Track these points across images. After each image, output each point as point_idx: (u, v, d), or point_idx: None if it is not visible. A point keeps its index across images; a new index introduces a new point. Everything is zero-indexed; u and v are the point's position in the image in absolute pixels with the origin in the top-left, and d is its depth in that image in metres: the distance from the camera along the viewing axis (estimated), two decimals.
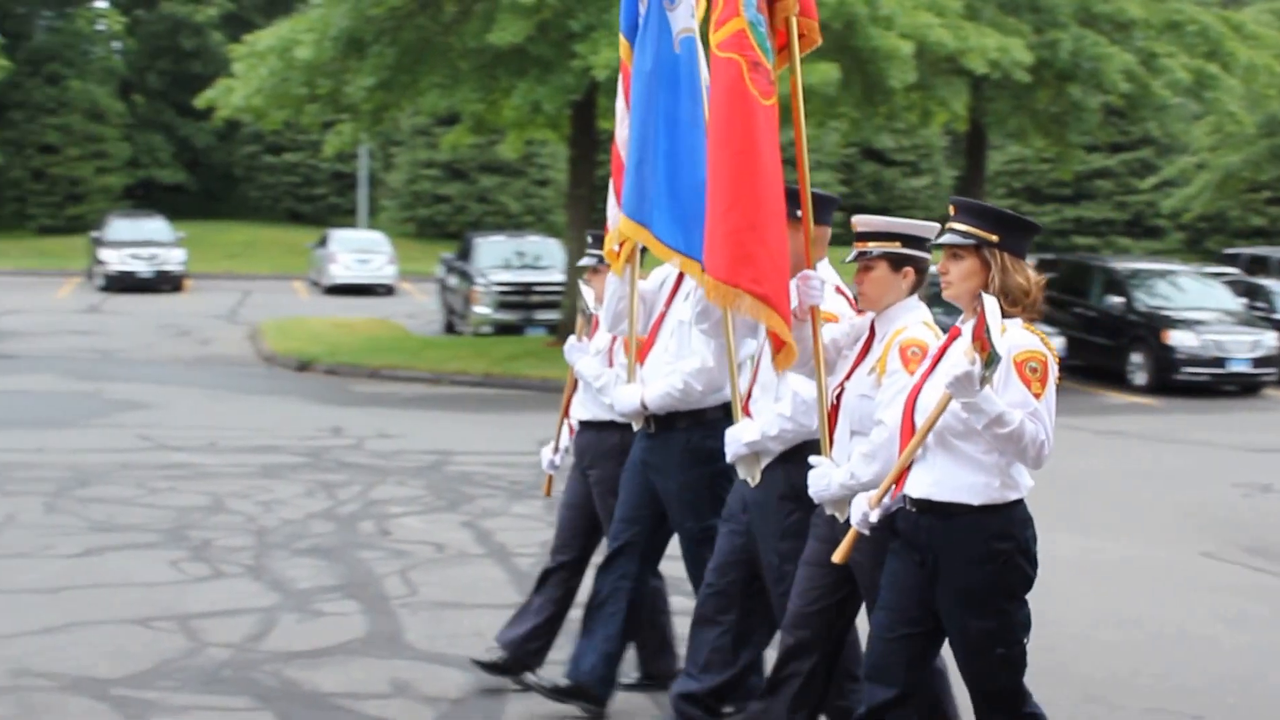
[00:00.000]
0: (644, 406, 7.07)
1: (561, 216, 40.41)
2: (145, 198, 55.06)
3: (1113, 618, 9.49)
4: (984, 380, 5.14)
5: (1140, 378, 23.22)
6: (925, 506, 5.46)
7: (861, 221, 6.10)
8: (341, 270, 39.52)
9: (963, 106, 24.10)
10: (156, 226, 40.49)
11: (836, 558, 5.70)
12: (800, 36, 6.38)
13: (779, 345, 6.17)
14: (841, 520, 5.92)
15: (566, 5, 20.94)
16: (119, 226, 39.89)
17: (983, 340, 5.09)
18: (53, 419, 16.94)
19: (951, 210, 5.63)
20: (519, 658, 7.54)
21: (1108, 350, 24.03)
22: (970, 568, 5.41)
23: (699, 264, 6.50)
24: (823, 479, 5.96)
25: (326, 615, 8.89)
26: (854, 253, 6.06)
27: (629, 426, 7.33)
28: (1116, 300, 24.21)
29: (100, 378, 20.85)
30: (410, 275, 42.36)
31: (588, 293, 7.70)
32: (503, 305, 27.68)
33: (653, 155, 6.75)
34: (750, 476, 6.50)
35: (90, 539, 10.73)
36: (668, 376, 7.03)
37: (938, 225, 6.02)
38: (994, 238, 5.47)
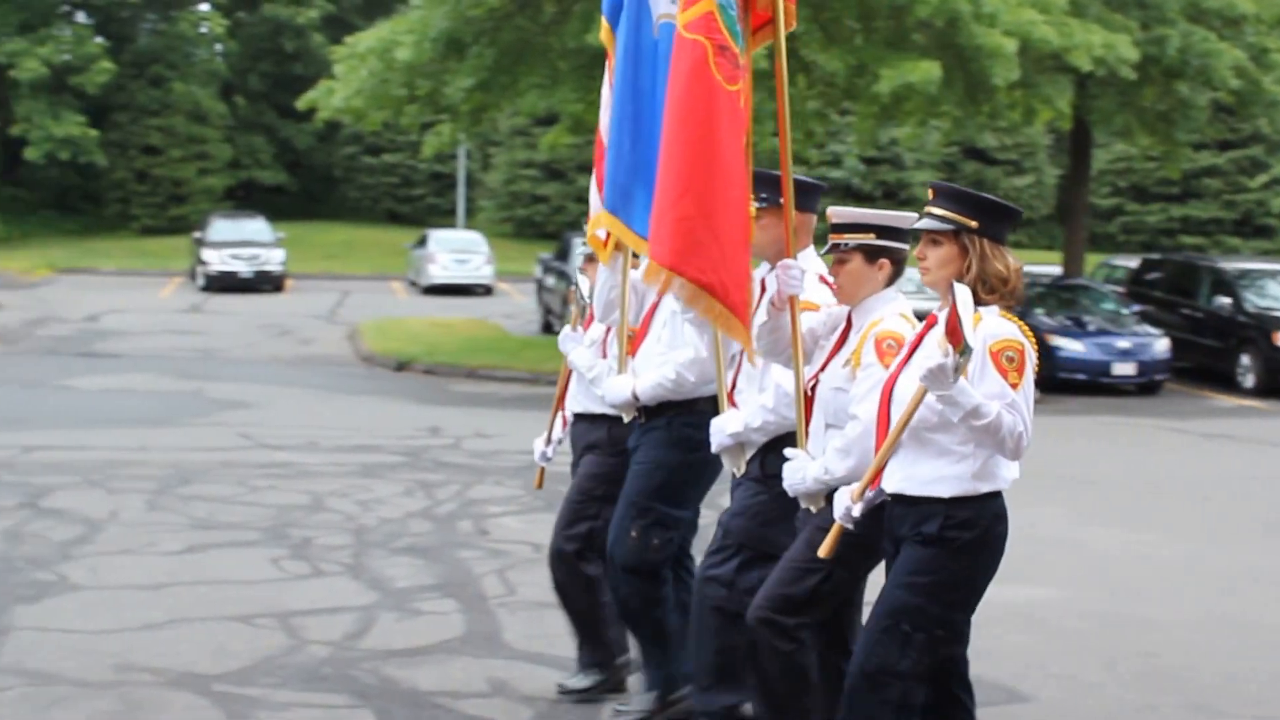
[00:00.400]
0: (635, 397, 6.96)
1: None
2: (246, 199, 55.62)
3: (1219, 623, 9.28)
4: (957, 372, 5.03)
5: (1249, 380, 22.85)
6: (898, 499, 5.37)
7: (836, 213, 6.01)
8: (440, 270, 39.67)
9: (1067, 104, 23.75)
10: (257, 227, 40.86)
11: (823, 552, 5.58)
12: (769, 21, 6.23)
13: (745, 347, 6.18)
14: (814, 513, 5.86)
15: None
16: (220, 227, 40.28)
17: (955, 331, 4.98)
18: (155, 417, 17.08)
19: (930, 194, 5.52)
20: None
21: (1216, 352, 23.66)
22: (919, 544, 5.30)
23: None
24: (797, 472, 5.89)
25: (425, 614, 8.86)
26: (829, 244, 5.98)
27: (619, 420, 7.22)
28: (1225, 301, 23.84)
29: (202, 377, 21.02)
30: (508, 275, 42.49)
31: (583, 282, 7.58)
32: None
33: (630, 144, 6.62)
34: (736, 467, 6.45)
35: (192, 536, 10.78)
36: (660, 367, 6.92)
37: (915, 216, 5.87)
38: (973, 223, 5.35)
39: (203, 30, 56.57)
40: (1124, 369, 22.42)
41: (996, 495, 5.34)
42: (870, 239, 5.88)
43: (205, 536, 10.78)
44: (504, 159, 53.69)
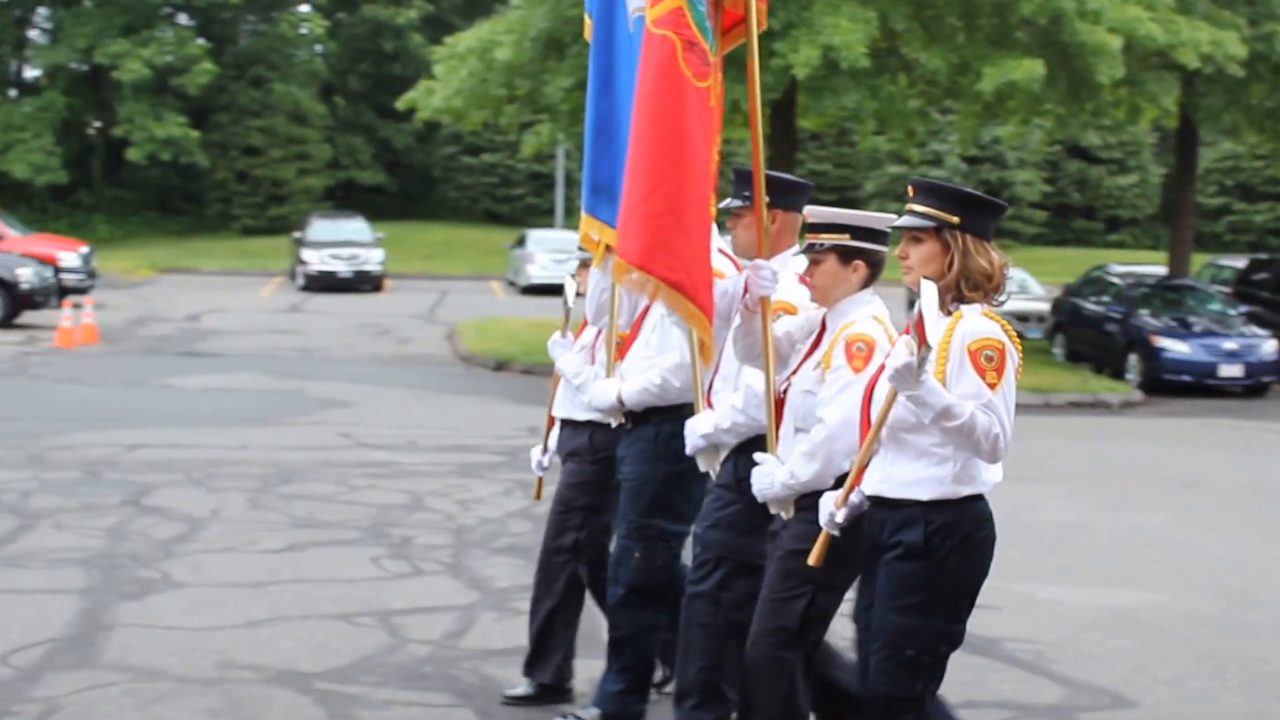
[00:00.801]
0: (620, 403, 6.83)
1: None
2: (345, 199, 56.03)
3: None
4: (921, 370, 4.87)
5: None
6: (878, 502, 5.25)
7: (812, 213, 5.90)
8: (538, 270, 39.72)
9: (1172, 102, 23.48)
10: (356, 227, 41.12)
11: (812, 560, 5.45)
12: (741, 20, 6.15)
13: (704, 343, 6.14)
14: (786, 518, 5.74)
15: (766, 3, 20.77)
16: (320, 227, 40.57)
17: (920, 330, 4.86)
18: (256, 416, 17.19)
19: (910, 191, 5.37)
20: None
21: None
22: (903, 559, 5.15)
23: None
24: (766, 477, 5.77)
25: (525, 614, 8.75)
26: (805, 244, 5.87)
27: (603, 426, 7.12)
28: None
29: (302, 376, 21.14)
30: None
31: (570, 286, 7.47)
32: None
33: (607, 141, 6.56)
34: (710, 469, 6.33)
35: (293, 535, 10.82)
36: (645, 372, 6.79)
37: (892, 216, 5.76)
38: (954, 219, 5.21)
39: (303, 31, 57.03)
40: (1230, 371, 22.12)
41: (978, 499, 5.20)
42: (845, 240, 5.75)
43: (306, 535, 10.82)
44: None
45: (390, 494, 12.43)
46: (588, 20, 6.75)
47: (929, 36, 22.28)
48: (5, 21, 55.03)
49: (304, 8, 56.76)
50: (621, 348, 7.00)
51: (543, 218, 51.99)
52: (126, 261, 43.84)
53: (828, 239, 5.74)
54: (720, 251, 6.43)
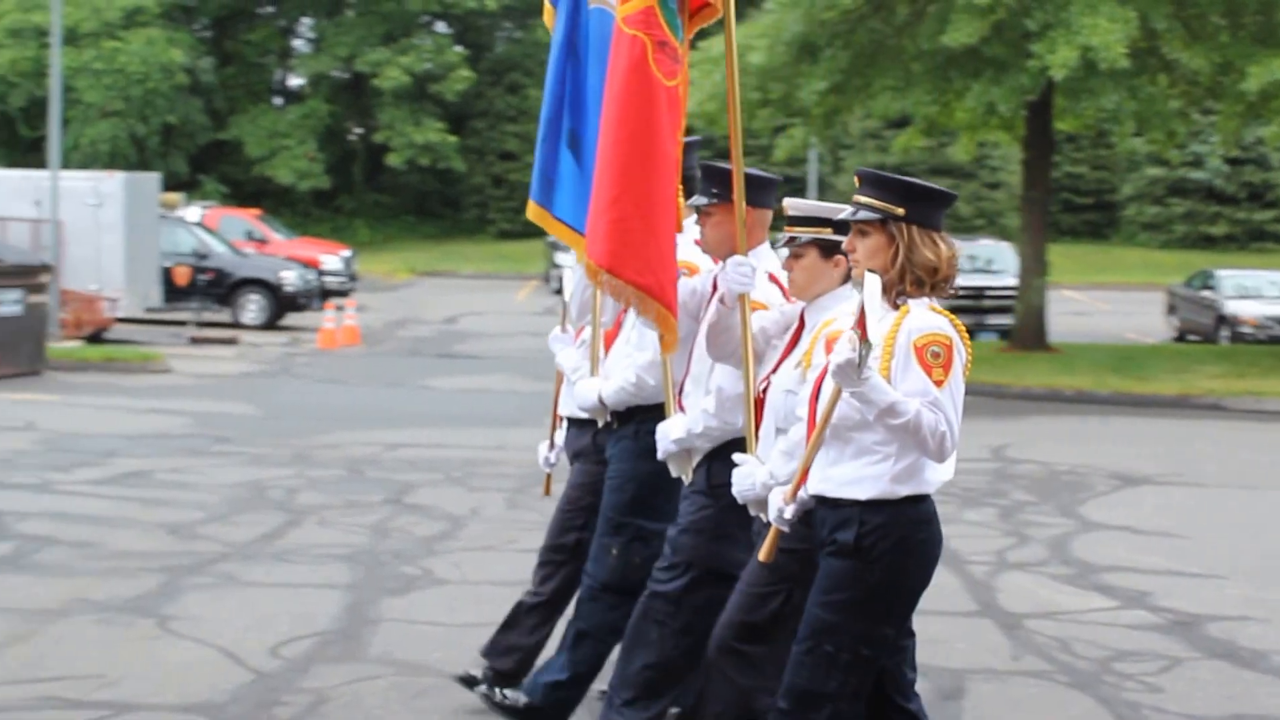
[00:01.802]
0: (601, 402, 6.69)
1: (1014, 220, 39.69)
2: None
3: None
4: (862, 366, 4.74)
5: None
6: (819, 500, 5.13)
7: (792, 206, 5.71)
8: None
9: None
10: None
11: (761, 556, 5.34)
12: (705, 6, 6.05)
13: (666, 340, 6.01)
14: (766, 520, 5.51)
15: (1023, 4, 20.50)
16: None
17: (862, 324, 4.71)
18: (512, 417, 17.45)
19: (856, 182, 5.22)
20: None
21: None
22: (834, 556, 5.04)
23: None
24: (747, 478, 5.59)
25: None
26: (784, 238, 5.68)
27: (606, 425, 6.93)
28: None
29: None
30: None
31: (567, 281, 7.18)
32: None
33: (555, 132, 6.43)
34: (683, 474, 6.18)
35: None
36: (624, 371, 6.64)
37: None
38: (899, 210, 5.06)
39: None
40: None
41: (920, 499, 5.05)
42: (827, 234, 5.58)
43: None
44: (855, 162, 53.37)
45: None
46: (549, 8, 6.60)
47: (1190, 35, 21.74)
48: (270, 32, 56.80)
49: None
50: (606, 346, 6.90)
51: None
52: (386, 265, 44.88)
53: (808, 232, 5.60)
54: (696, 243, 6.31)
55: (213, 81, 52.35)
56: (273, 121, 52.68)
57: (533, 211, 6.56)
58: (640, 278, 5.84)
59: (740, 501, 5.64)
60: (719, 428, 5.99)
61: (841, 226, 5.47)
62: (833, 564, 5.03)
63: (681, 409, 6.20)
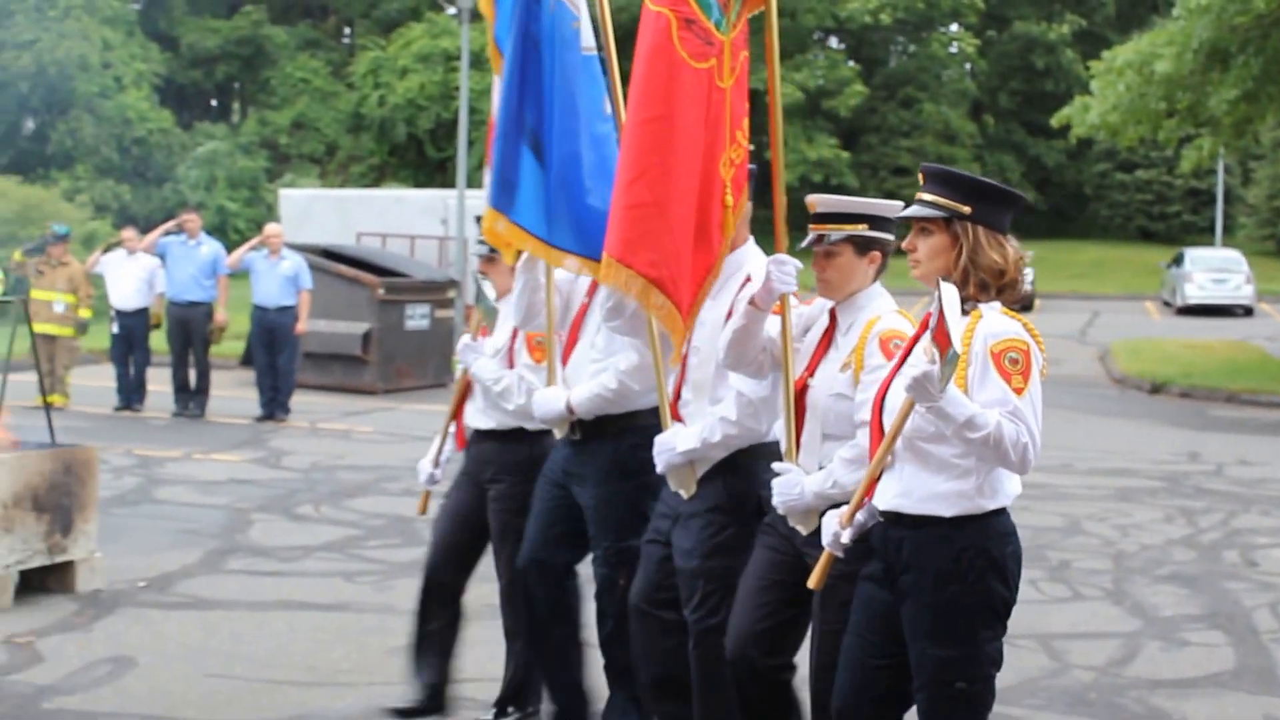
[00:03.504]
0: (570, 411, 6.22)
1: None
2: None
3: None
4: (943, 381, 4.35)
5: None
6: (893, 519, 4.72)
7: (822, 202, 5.37)
8: (1196, 290, 38.40)
9: None
10: None
11: (812, 583, 4.94)
12: None
13: (675, 342, 5.56)
14: (806, 533, 5.20)
15: None
16: None
17: (942, 334, 4.33)
18: None
19: (920, 178, 4.87)
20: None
21: None
22: (934, 586, 4.63)
23: (561, 251, 5.93)
24: (793, 487, 5.21)
25: (1192, 645, 8.49)
26: (811, 236, 5.34)
27: (539, 436, 6.62)
28: None
29: None
30: (1269, 296, 40.56)
31: (487, 286, 6.81)
32: None
33: (515, 132, 6.03)
34: (684, 488, 5.77)
35: None
36: (598, 376, 6.20)
37: (900, 204, 5.37)
38: (965, 209, 4.72)
39: (953, 50, 57.22)
40: None
41: (1001, 513, 4.69)
42: (863, 230, 5.31)
43: None
44: (1266, 173, 51.39)
45: (1046, 516, 12.23)
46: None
47: None
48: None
49: (954, 27, 56.90)
50: (564, 352, 6.48)
51: (1200, 235, 50.23)
52: None
53: (842, 229, 5.32)
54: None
55: None
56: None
57: (488, 218, 6.14)
58: (652, 270, 5.41)
59: (782, 512, 5.31)
60: (739, 435, 5.67)
61: (876, 222, 5.35)
62: (933, 598, 4.66)
63: (678, 419, 5.87)
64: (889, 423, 4.72)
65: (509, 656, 6.95)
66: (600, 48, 6.17)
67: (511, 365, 6.72)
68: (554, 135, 5.95)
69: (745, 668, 5.36)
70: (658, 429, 6.05)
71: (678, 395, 5.89)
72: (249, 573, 9.85)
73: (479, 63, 46.62)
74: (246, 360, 20.54)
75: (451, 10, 51.81)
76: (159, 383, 18.41)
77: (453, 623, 7.04)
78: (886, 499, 4.76)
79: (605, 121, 6.04)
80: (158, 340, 18.62)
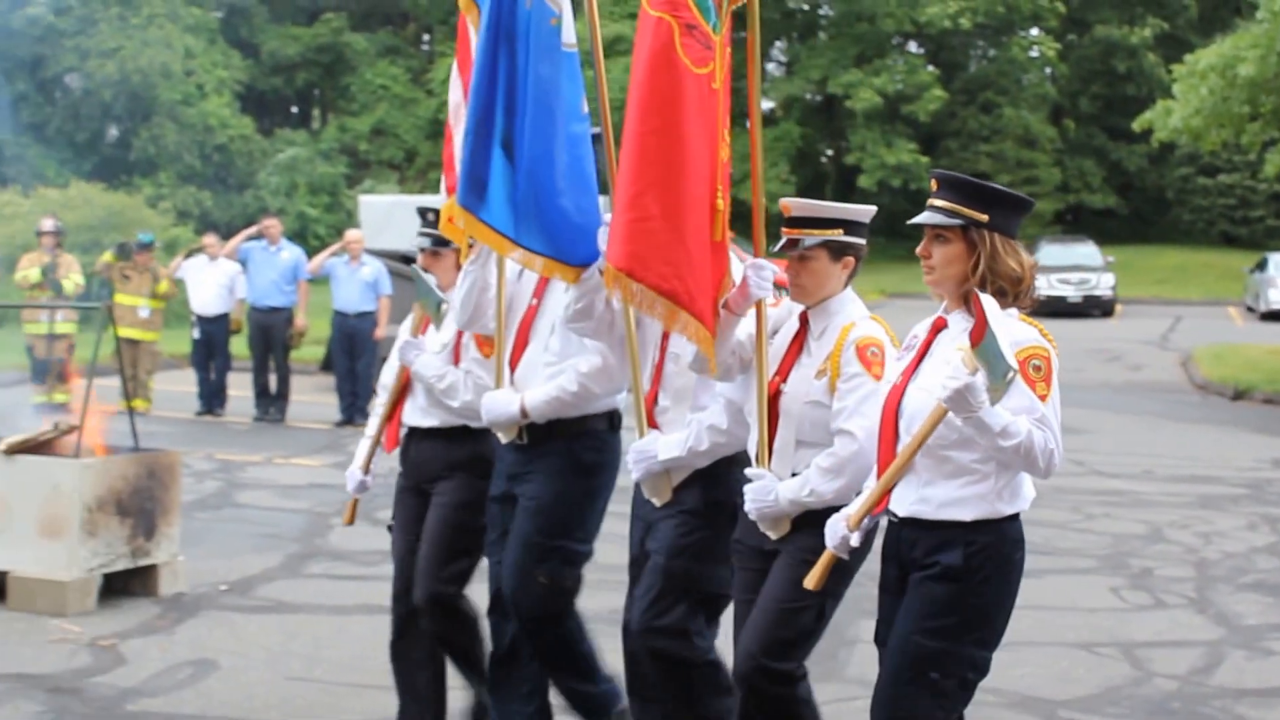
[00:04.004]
0: (523, 414, 6.01)
1: None
2: (1074, 222, 55.38)
3: None
4: (995, 396, 4.37)
5: None
6: (909, 523, 4.72)
7: (796, 206, 5.33)
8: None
9: None
10: (1086, 251, 40.50)
11: (811, 584, 4.95)
12: None
13: (709, 357, 5.35)
14: (776, 538, 5.21)
15: None
16: (1049, 252, 40.22)
17: (987, 348, 4.33)
18: None
19: (933, 185, 4.87)
20: None
21: None
22: (935, 579, 4.66)
23: (530, 252, 5.78)
24: (767, 493, 5.18)
25: (1277, 654, 8.41)
26: (785, 241, 5.31)
27: (484, 433, 6.38)
28: None
29: None
30: None
31: (429, 279, 6.55)
32: None
33: (486, 131, 5.85)
34: (659, 496, 5.67)
35: (1027, 561, 10.61)
36: (557, 377, 6.01)
37: (872, 208, 5.41)
38: (983, 217, 4.73)
39: (1033, 54, 56.82)
40: None
41: (1015, 518, 4.71)
42: (838, 235, 5.30)
43: (1041, 562, 10.65)
44: None
45: (1127, 523, 12.15)
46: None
47: None
48: (745, 56, 57.68)
49: (1034, 31, 56.50)
50: (513, 354, 6.23)
51: None
52: (857, 285, 44.82)
53: (816, 234, 5.29)
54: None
55: None
56: (744, 144, 53.31)
57: (456, 213, 5.94)
58: (665, 283, 5.28)
59: (755, 518, 5.26)
60: (726, 443, 5.59)
61: (852, 227, 5.33)
62: (933, 589, 4.69)
63: (655, 427, 5.77)
64: (907, 430, 4.71)
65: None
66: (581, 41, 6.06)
67: (457, 361, 6.55)
68: (526, 134, 5.82)
69: (750, 691, 5.28)
70: (609, 434, 6.13)
71: (653, 401, 5.81)
72: (329, 577, 9.93)
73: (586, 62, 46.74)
74: (326, 365, 20.68)
75: None
76: (240, 388, 18.58)
77: (433, 651, 6.74)
78: (905, 505, 4.74)
79: (581, 121, 5.93)
80: (238, 345, 18.80)
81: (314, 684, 7.58)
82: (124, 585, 9.13)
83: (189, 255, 19.38)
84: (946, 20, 51.74)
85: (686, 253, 5.31)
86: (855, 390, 5.14)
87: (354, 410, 17.51)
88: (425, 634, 6.61)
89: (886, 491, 4.78)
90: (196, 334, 18.41)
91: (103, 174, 39.30)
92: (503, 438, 6.19)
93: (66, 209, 27.71)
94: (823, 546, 4.97)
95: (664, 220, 5.29)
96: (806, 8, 56.23)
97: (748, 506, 5.26)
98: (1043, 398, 4.58)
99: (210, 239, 19.13)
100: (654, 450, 5.65)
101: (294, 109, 58.64)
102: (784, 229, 5.37)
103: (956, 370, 4.44)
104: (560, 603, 6.12)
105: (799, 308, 5.42)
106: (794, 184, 51.97)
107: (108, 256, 18.23)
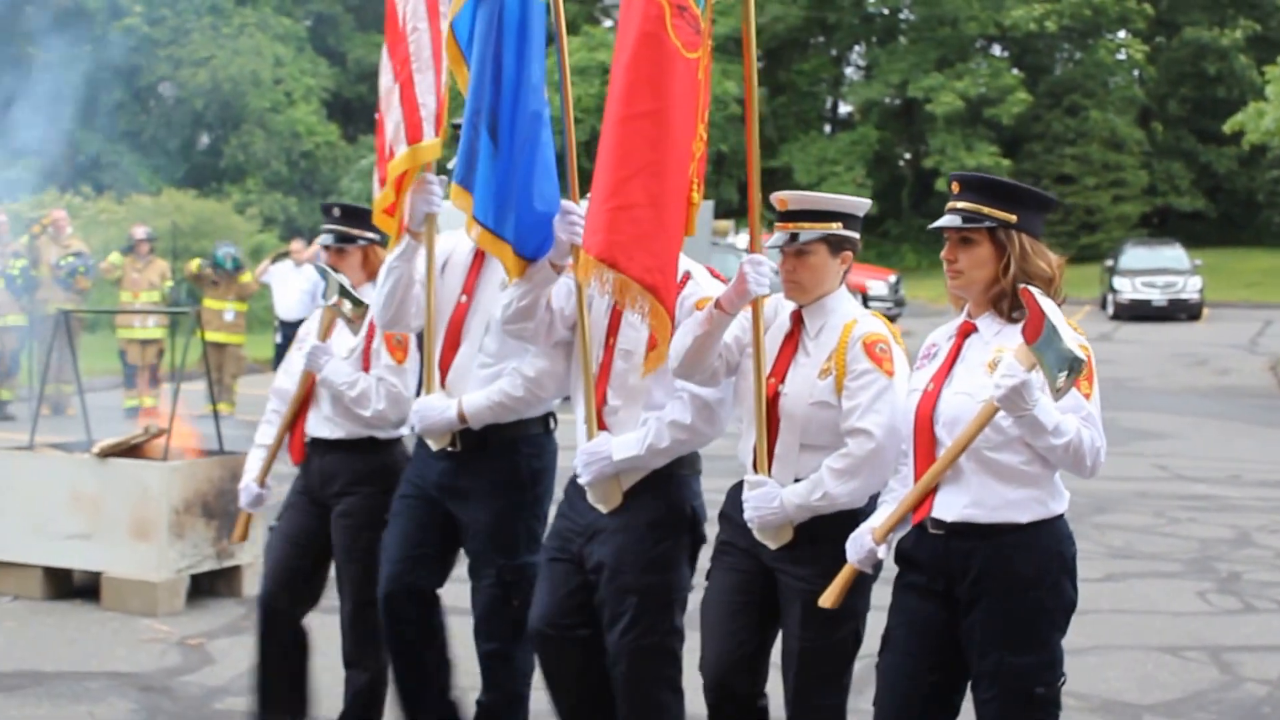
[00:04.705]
0: (461, 419, 5.71)
1: None
2: (1161, 225, 54.86)
3: None
4: (1059, 392, 4.29)
5: None
6: (960, 530, 4.55)
7: (793, 199, 5.09)
8: None
9: None
10: (1173, 254, 40.01)
11: (829, 602, 4.76)
12: None
13: (652, 344, 5.13)
14: (775, 548, 4.99)
15: None
16: (1134, 255, 39.83)
17: (1047, 343, 4.26)
18: None
19: (954, 187, 4.72)
20: None
21: None
22: (1015, 594, 4.52)
23: (508, 244, 5.45)
24: (770, 500, 4.94)
25: None
26: (781, 235, 5.07)
27: (391, 444, 6.21)
28: None
29: (1115, 407, 20.68)
30: None
31: (344, 279, 6.20)
32: None
33: (475, 112, 5.63)
34: (607, 502, 5.32)
35: (1110, 565, 10.68)
36: (498, 380, 5.69)
37: (867, 202, 5.20)
38: (1011, 217, 4.60)
39: (1120, 57, 56.34)
40: None
41: (1063, 515, 4.64)
42: (837, 228, 5.06)
43: (1124, 565, 10.66)
44: None
45: (1214, 528, 12.03)
46: None
47: None
48: (822, 61, 57.63)
49: (1121, 34, 56.03)
50: (442, 357, 5.87)
51: None
52: (933, 290, 44.69)
53: (815, 228, 5.06)
54: (711, 272, 5.55)
55: (764, 111, 53.49)
56: (822, 148, 53.29)
57: (453, 193, 5.72)
58: (648, 276, 5.03)
59: (756, 527, 5.03)
60: (691, 441, 5.30)
61: (850, 221, 5.12)
62: (1011, 605, 4.54)
63: (604, 429, 5.39)
64: (948, 435, 4.58)
65: (347, 685, 6.51)
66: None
67: (367, 368, 6.24)
68: (504, 116, 5.62)
69: (726, 696, 5.16)
70: (546, 437, 5.88)
71: (602, 401, 5.44)
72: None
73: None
74: None
75: (608, 23, 52.11)
76: None
77: (295, 653, 6.58)
78: (953, 511, 4.59)
79: (541, 99, 5.72)
80: None
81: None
82: (210, 586, 9.22)
83: (275, 260, 19.57)
84: (1031, 23, 51.44)
85: (667, 244, 5.11)
86: (867, 387, 4.96)
87: None
88: (292, 645, 6.51)
89: (922, 499, 4.64)
90: (279, 339, 18.58)
91: (194, 181, 39.85)
92: (433, 445, 5.88)
93: (158, 215, 28.05)
94: (830, 566, 4.85)
95: (650, 209, 5.07)
96: (886, 12, 55.98)
97: (748, 515, 5.03)
98: (1086, 396, 4.51)
99: (296, 244, 19.34)
100: (607, 451, 5.31)
101: (377, 116, 59.06)
102: (779, 223, 5.16)
103: (1010, 368, 4.35)
104: (519, 620, 5.82)
105: (787, 306, 5.22)
106: (870, 187, 51.80)
107: (194, 264, 18.46)
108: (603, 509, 5.37)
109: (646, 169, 5.05)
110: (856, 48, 58.58)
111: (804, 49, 57.80)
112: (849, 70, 59.63)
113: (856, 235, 5.16)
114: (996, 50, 56.74)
